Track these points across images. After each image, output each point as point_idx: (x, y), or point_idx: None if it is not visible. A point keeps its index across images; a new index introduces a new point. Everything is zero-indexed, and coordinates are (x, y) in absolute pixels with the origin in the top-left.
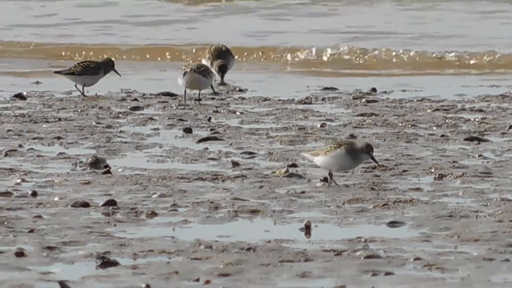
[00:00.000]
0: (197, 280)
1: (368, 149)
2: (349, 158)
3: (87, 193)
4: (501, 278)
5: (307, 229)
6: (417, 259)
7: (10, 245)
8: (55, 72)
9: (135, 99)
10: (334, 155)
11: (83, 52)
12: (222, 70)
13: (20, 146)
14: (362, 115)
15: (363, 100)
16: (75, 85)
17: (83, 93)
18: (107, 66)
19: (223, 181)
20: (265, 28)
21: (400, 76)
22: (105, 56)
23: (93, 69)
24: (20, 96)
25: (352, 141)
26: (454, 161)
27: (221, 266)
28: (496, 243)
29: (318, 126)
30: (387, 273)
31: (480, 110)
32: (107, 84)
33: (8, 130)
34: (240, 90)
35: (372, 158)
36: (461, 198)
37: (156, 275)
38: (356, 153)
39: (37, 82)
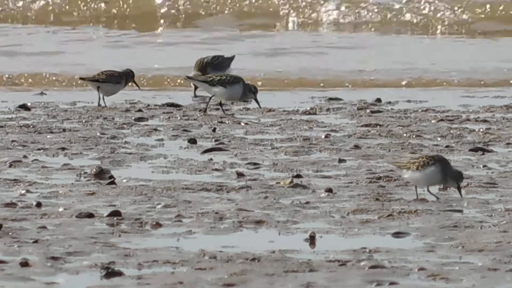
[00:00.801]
0: None
1: (459, 177)
2: (440, 177)
3: (92, 203)
4: None
5: (311, 240)
6: (421, 269)
7: (14, 256)
8: (80, 78)
9: (140, 110)
10: (427, 171)
11: None
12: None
13: (25, 157)
14: (366, 125)
15: (368, 110)
16: (99, 94)
17: (100, 103)
18: (128, 77)
19: (227, 191)
20: None
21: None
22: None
23: (116, 78)
24: (24, 107)
25: (445, 159)
26: None
27: (226, 277)
28: (500, 253)
29: (323, 136)
30: (392, 283)
31: (485, 121)
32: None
33: (13, 141)
34: (245, 101)
35: (459, 188)
36: (466, 208)
37: (161, 285)
38: (446, 173)
39: (42, 93)
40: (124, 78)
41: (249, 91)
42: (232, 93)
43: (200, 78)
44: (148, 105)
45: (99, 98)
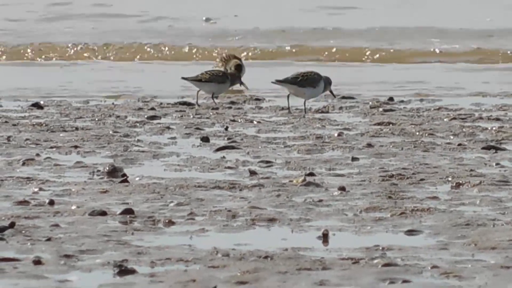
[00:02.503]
0: None
1: None
2: None
3: (105, 201)
4: None
5: (324, 237)
6: (434, 267)
7: (27, 254)
8: (182, 78)
9: (152, 108)
10: None
11: None
12: (238, 69)
13: (38, 155)
14: (379, 124)
15: (380, 109)
16: (197, 92)
17: (215, 102)
18: (234, 77)
19: (240, 189)
20: None
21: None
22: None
23: (220, 78)
24: (37, 105)
25: None
26: (471, 170)
27: (238, 274)
28: None
29: (335, 135)
30: (405, 281)
31: (497, 119)
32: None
33: (26, 139)
34: (257, 99)
35: None
36: (478, 206)
37: (174, 283)
38: None
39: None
40: (229, 77)
41: (329, 84)
42: (318, 91)
43: (289, 81)
44: (161, 103)
45: (212, 96)
